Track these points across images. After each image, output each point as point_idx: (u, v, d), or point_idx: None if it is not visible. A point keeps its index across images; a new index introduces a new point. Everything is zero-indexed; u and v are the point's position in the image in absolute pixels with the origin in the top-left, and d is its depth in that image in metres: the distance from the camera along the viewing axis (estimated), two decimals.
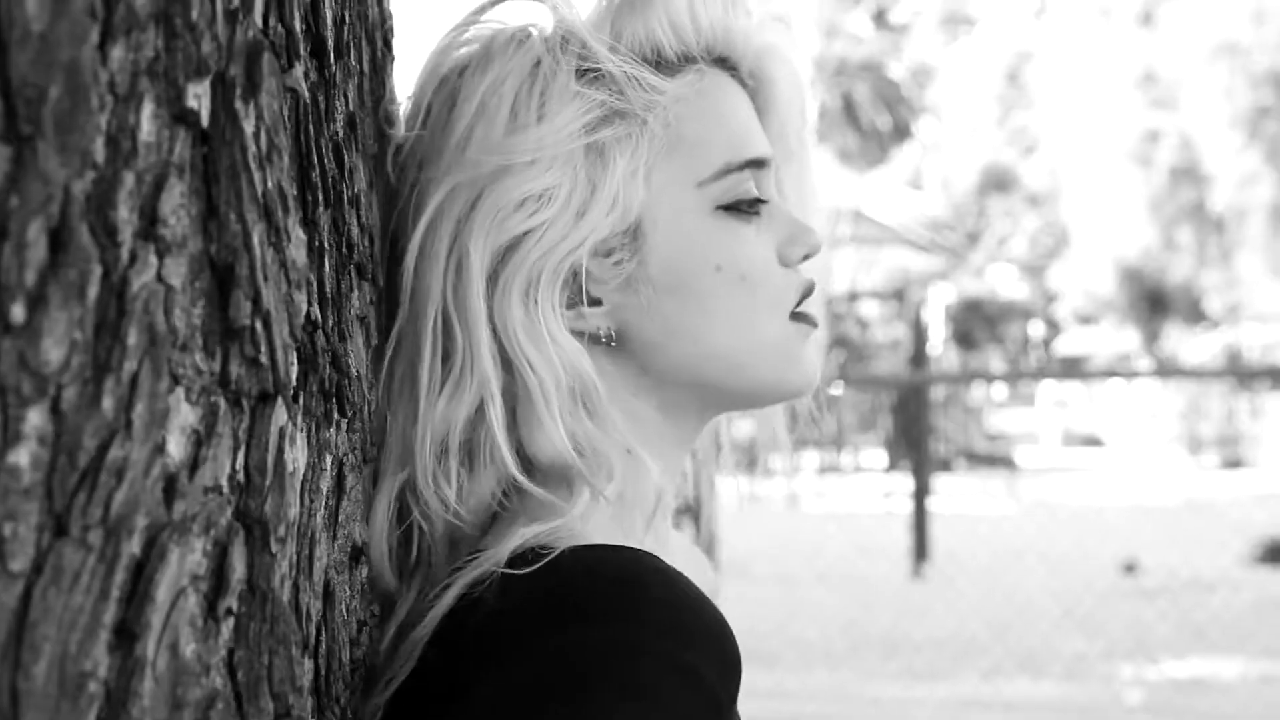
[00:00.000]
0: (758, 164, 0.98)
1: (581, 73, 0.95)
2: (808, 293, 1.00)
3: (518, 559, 0.85)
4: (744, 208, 0.97)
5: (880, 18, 31.27)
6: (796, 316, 0.99)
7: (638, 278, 0.95)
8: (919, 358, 11.39)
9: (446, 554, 0.93)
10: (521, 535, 0.87)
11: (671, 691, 0.79)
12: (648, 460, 0.95)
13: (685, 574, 0.86)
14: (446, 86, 0.97)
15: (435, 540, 0.93)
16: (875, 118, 25.65)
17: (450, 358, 0.92)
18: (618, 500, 0.93)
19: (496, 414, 0.91)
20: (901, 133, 26.89)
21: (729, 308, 0.96)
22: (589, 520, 0.90)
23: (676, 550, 1.01)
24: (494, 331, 0.91)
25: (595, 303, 0.95)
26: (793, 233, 1.00)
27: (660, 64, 0.97)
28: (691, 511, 1.89)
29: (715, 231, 0.96)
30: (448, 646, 0.84)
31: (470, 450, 0.92)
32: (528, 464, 0.92)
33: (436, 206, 0.93)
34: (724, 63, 1.01)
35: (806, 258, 1.00)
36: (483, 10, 1.01)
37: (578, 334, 0.94)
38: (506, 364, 0.92)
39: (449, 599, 0.85)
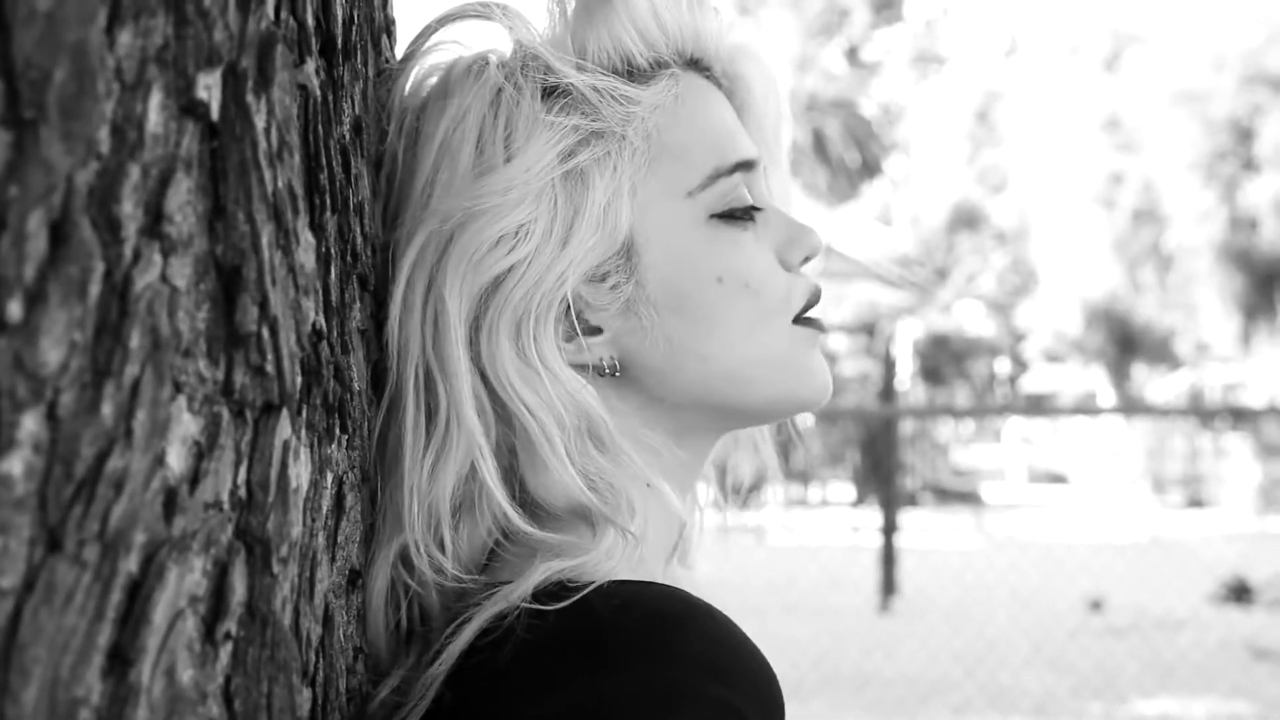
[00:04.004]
0: (747, 166, 0.93)
1: (548, 93, 0.89)
2: (815, 298, 0.95)
3: (541, 594, 0.80)
4: (738, 215, 0.92)
5: (852, 55, 31.49)
6: (803, 321, 0.94)
7: (637, 299, 0.90)
8: (888, 392, 11.36)
9: (443, 616, 0.86)
10: (545, 570, 0.81)
11: None
12: (668, 492, 0.90)
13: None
14: (405, 129, 0.92)
15: (430, 606, 0.87)
16: (846, 154, 25.78)
17: (435, 415, 0.86)
18: (640, 535, 0.88)
19: (489, 470, 0.85)
20: (872, 169, 27.01)
21: (735, 320, 0.90)
22: (613, 555, 0.85)
23: (680, 579, 0.97)
24: (484, 378, 0.86)
25: (595, 331, 0.90)
26: (791, 235, 0.95)
27: (632, 72, 0.92)
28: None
29: (712, 241, 0.91)
30: (468, 684, 0.79)
31: (464, 506, 0.87)
32: (533, 509, 0.87)
33: (411, 262, 0.87)
34: (697, 65, 0.96)
35: (807, 259, 0.96)
36: (431, 32, 0.95)
37: (579, 368, 0.90)
38: (501, 411, 0.86)
39: (468, 635, 0.80)
